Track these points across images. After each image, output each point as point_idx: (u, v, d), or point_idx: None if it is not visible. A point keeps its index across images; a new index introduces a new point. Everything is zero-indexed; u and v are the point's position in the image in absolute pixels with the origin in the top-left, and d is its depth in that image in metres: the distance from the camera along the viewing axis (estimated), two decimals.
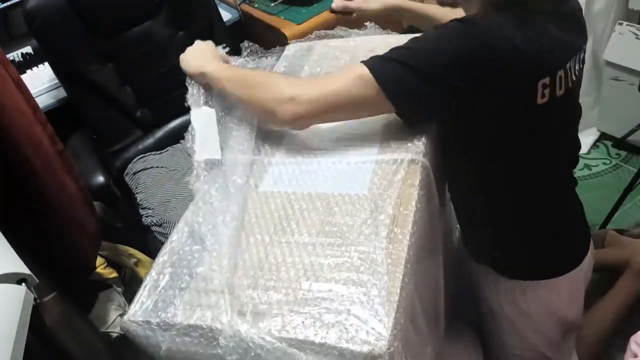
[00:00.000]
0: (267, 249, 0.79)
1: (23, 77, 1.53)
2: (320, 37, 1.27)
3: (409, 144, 0.88)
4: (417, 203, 0.81)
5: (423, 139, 0.89)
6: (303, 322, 0.68)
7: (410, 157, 0.85)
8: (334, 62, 1.15)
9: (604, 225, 1.87)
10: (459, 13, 0.97)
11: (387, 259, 0.72)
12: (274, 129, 0.98)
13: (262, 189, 0.87)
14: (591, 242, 1.14)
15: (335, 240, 0.78)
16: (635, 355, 1.00)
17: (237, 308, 0.72)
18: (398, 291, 0.69)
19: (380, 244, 0.74)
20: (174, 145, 1.90)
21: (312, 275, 0.74)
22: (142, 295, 0.80)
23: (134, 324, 0.77)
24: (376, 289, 0.69)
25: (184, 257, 0.82)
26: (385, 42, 1.09)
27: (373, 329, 0.65)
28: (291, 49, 1.26)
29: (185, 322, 0.74)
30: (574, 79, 0.93)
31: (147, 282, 0.81)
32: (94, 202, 1.57)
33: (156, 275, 0.82)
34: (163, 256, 0.84)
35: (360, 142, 0.91)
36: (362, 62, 0.87)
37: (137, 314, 0.77)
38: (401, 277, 0.70)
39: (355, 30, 1.26)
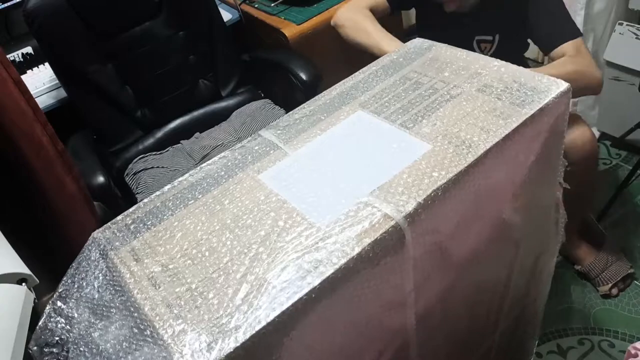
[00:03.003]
0: (212, 233, 0.76)
1: (23, 77, 1.53)
2: None
3: (403, 197, 0.74)
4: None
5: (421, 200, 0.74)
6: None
7: (388, 210, 0.72)
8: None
9: (598, 220, 1.87)
10: None
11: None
12: (316, 125, 0.93)
13: (260, 176, 0.84)
14: None
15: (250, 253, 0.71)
16: (636, 355, 1.02)
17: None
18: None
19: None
20: (174, 146, 1.90)
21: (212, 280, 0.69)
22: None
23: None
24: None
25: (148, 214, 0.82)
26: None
27: None
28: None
29: None
30: None
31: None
32: (94, 202, 1.57)
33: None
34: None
35: (366, 177, 0.80)
36: None
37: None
38: None
39: None
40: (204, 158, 1.81)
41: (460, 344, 1.07)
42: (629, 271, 1.72)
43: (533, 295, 1.26)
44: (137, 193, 1.74)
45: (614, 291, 1.71)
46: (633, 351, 1.03)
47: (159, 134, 1.92)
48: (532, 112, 0.83)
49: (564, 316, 1.69)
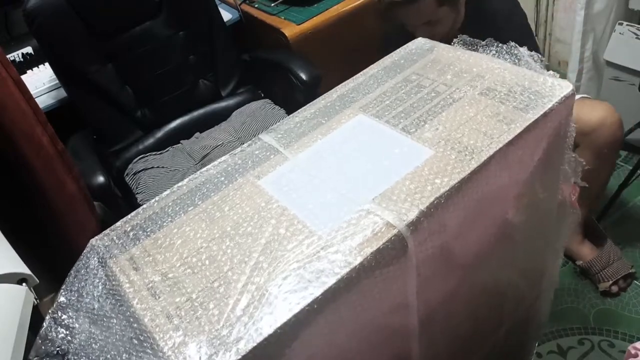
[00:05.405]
0: (212, 241, 0.75)
1: (23, 77, 1.53)
2: None
3: (406, 205, 0.73)
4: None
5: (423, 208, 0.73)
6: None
7: (390, 219, 0.71)
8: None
9: (598, 220, 1.87)
10: None
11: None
12: (314, 130, 0.92)
13: (260, 182, 0.83)
14: None
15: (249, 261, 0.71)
16: (636, 355, 1.02)
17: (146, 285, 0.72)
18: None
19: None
20: (174, 146, 1.90)
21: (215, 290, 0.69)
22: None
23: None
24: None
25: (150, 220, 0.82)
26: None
27: None
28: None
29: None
30: None
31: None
32: (94, 202, 1.57)
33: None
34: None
35: (367, 183, 0.79)
36: None
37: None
38: None
39: None
40: (204, 158, 1.81)
41: (462, 346, 1.07)
42: (631, 270, 1.72)
43: (535, 296, 1.26)
44: (137, 193, 1.74)
45: (614, 288, 1.70)
46: (633, 351, 1.04)
47: (159, 134, 1.92)
48: (536, 117, 0.82)
49: (564, 316, 1.69)
